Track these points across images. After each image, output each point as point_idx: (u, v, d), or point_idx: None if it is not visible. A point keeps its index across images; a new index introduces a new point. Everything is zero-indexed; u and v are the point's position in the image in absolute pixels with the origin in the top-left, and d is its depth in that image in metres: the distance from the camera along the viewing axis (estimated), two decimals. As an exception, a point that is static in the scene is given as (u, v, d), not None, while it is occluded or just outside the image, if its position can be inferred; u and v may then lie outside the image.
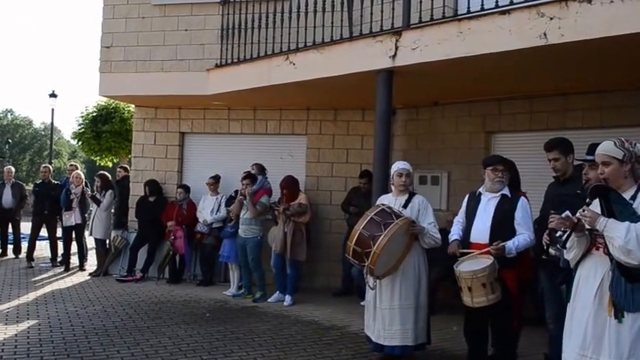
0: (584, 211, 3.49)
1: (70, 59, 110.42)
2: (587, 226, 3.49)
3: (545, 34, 5.42)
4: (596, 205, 3.56)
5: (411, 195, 5.50)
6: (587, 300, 3.51)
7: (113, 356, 5.81)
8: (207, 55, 9.26)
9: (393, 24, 6.86)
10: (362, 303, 7.55)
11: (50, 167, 12.56)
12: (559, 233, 3.65)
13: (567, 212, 3.61)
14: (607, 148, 3.56)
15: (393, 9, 6.92)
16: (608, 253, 3.42)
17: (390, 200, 5.56)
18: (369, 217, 5.12)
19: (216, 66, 9.09)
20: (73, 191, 10.84)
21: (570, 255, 3.66)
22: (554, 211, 3.76)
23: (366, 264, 5.06)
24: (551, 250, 4.31)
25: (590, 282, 3.53)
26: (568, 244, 3.60)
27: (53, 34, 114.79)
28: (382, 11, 6.95)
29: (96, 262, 10.94)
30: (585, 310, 3.51)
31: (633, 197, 3.46)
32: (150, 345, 6.20)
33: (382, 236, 4.92)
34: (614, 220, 3.37)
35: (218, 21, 9.16)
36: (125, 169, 11.48)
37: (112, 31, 9.95)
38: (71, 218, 10.80)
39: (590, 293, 3.50)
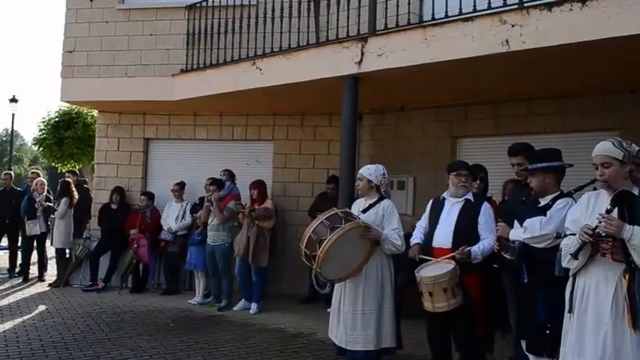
0: (604, 218, 3.26)
1: (32, 63, 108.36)
2: (604, 234, 3.27)
3: (507, 41, 5.54)
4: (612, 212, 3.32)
5: (380, 199, 5.47)
6: (602, 312, 3.30)
7: (72, 370, 5.66)
8: (173, 61, 9.17)
9: (359, 30, 6.91)
10: (328, 310, 7.54)
11: (12, 174, 12.24)
12: (577, 243, 3.40)
13: (582, 220, 3.44)
14: (606, 148, 3.41)
15: (359, 15, 6.95)
16: (618, 260, 3.27)
17: (360, 204, 5.57)
18: (319, 221, 5.14)
19: (182, 71, 9.02)
20: (37, 199, 10.58)
21: (574, 264, 3.45)
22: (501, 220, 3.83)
23: (313, 267, 5.07)
24: (507, 256, 4.37)
25: (601, 291, 3.33)
26: (580, 255, 3.37)
27: (13, 38, 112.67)
28: (348, 17, 6.99)
29: (56, 273, 10.63)
30: (601, 322, 3.30)
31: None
32: (111, 358, 6.05)
33: (326, 240, 4.91)
34: None
35: (184, 26, 9.10)
36: (74, 173, 11.26)
37: (75, 35, 9.79)
38: (36, 227, 10.50)
39: (605, 304, 3.29)
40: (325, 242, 4.90)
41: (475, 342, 5.19)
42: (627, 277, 3.23)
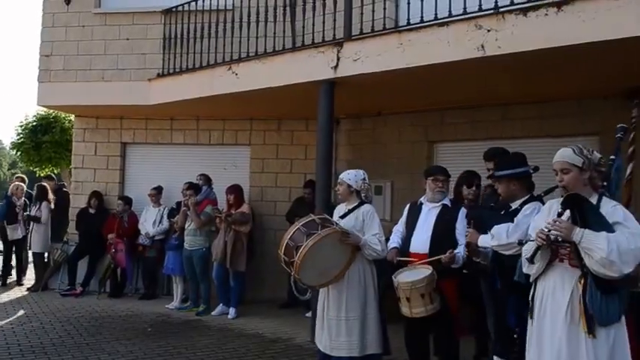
0: (555, 222, 3.34)
1: (9, 66, 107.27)
2: (558, 238, 3.36)
3: (482, 46, 5.55)
4: (562, 215, 3.42)
5: (360, 204, 5.42)
6: (558, 316, 3.36)
7: (49, 375, 5.64)
8: (149, 65, 9.15)
9: (334, 35, 6.93)
10: (307, 315, 7.56)
11: None
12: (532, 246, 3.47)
13: (542, 226, 3.48)
14: (566, 154, 3.47)
15: (335, 20, 6.95)
16: (575, 265, 3.33)
17: (341, 209, 5.55)
18: (296, 227, 5.13)
19: (158, 76, 9.02)
20: (17, 204, 10.52)
21: (533, 269, 3.51)
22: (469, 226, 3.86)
23: (292, 274, 5.08)
24: (479, 261, 4.42)
25: (557, 296, 3.39)
26: (535, 259, 3.45)
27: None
28: (324, 22, 7.00)
29: (34, 277, 10.58)
30: (556, 326, 3.36)
31: (596, 207, 3.38)
32: (88, 362, 6.05)
33: (303, 247, 4.92)
34: (591, 232, 3.23)
35: (160, 30, 9.10)
36: (50, 178, 11.17)
37: (52, 39, 9.75)
38: (17, 231, 10.48)
39: (561, 308, 3.35)
40: (302, 248, 4.89)
41: (453, 347, 5.23)
42: (582, 281, 3.29)
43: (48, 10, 9.84)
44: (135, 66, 9.25)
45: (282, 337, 7.25)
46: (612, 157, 4.21)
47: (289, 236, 5.08)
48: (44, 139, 15.41)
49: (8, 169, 62.89)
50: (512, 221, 4.13)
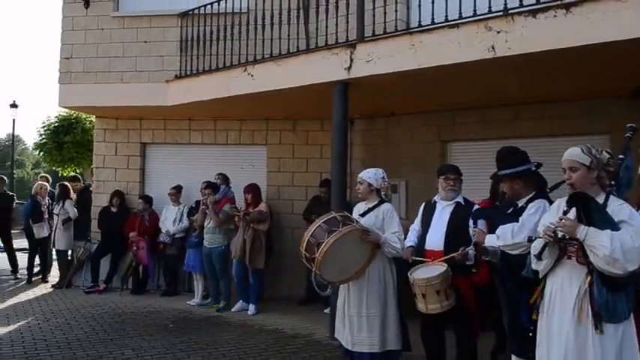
0: (560, 219, 3.39)
1: (32, 69, 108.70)
2: (565, 235, 3.41)
3: (493, 47, 5.62)
4: (568, 213, 3.47)
5: (380, 203, 5.47)
6: (566, 312, 3.39)
7: (75, 371, 5.81)
8: (167, 67, 9.31)
9: (347, 37, 7.03)
10: (326, 311, 7.68)
11: (4, 178, 12.41)
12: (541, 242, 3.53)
13: (548, 223, 3.54)
14: (574, 153, 3.51)
15: (348, 22, 7.05)
16: (583, 263, 3.37)
17: (360, 208, 5.60)
18: (317, 224, 5.16)
19: (176, 77, 9.17)
20: (42, 203, 10.81)
21: (541, 266, 3.56)
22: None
23: (313, 270, 5.17)
24: (489, 259, 4.50)
25: (566, 293, 3.42)
26: (543, 256, 3.50)
27: (12, 43, 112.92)
28: (337, 24, 7.13)
29: (58, 274, 10.83)
30: (564, 322, 3.39)
31: (603, 205, 3.41)
32: (113, 357, 6.23)
33: (324, 243, 4.99)
34: (596, 229, 3.28)
35: (177, 33, 9.25)
36: (77, 179, 11.43)
37: (72, 42, 9.93)
38: (43, 230, 10.74)
39: (568, 305, 3.39)
40: (323, 245, 4.93)
41: (470, 343, 5.29)
42: (589, 278, 3.34)
43: (67, 13, 10.03)
44: (153, 68, 9.41)
45: (301, 333, 7.34)
46: (621, 156, 4.26)
47: (310, 233, 5.12)
48: (66, 140, 15.69)
49: (32, 169, 63.87)
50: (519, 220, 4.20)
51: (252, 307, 8.41)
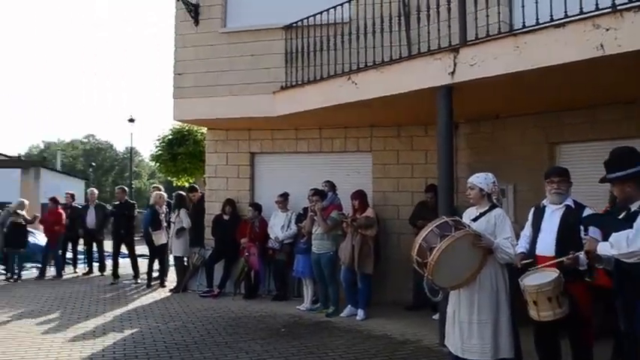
0: None
1: (146, 86, 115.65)
2: None
3: (602, 45, 5.42)
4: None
5: (491, 208, 5.37)
6: None
7: (194, 372, 6.09)
8: (273, 79, 9.58)
9: (450, 41, 6.98)
10: (434, 317, 7.64)
11: (125, 188, 13.28)
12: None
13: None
14: None
15: (450, 26, 7.01)
16: None
17: (471, 213, 5.52)
18: (429, 229, 5.13)
19: (282, 88, 9.42)
20: (160, 212, 11.48)
21: None
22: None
23: (425, 275, 5.14)
24: (603, 266, 4.31)
25: None
26: None
27: (129, 64, 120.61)
28: (439, 29, 7.08)
29: (175, 279, 11.41)
30: None
31: None
32: (228, 360, 6.47)
33: (437, 248, 4.95)
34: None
35: (282, 45, 9.50)
36: (195, 189, 11.92)
37: (183, 59, 10.46)
38: (162, 237, 11.39)
39: None
40: (436, 250, 4.91)
41: (585, 352, 5.09)
42: None
43: (179, 32, 10.58)
44: (260, 80, 9.71)
45: (410, 339, 7.33)
46: None
47: (422, 237, 5.09)
48: (179, 151, 16.49)
49: (147, 180, 67.86)
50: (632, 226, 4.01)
51: (360, 313, 8.47)
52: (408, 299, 9.04)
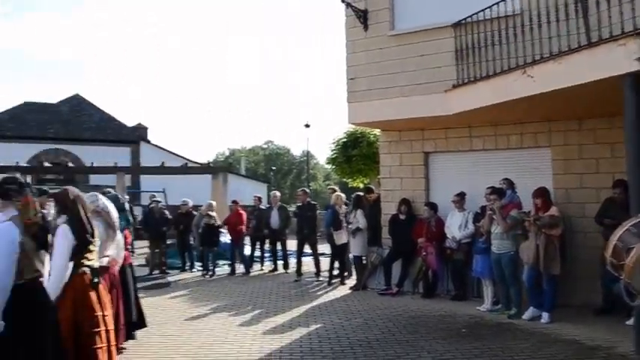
0: None
1: (321, 93, 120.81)
2: None
3: None
4: None
5: None
6: None
7: (378, 369, 6.25)
8: (444, 77, 9.57)
9: (634, 25, 6.49)
10: (628, 322, 7.16)
11: (307, 190, 13.92)
12: None
13: None
14: None
15: (633, 9, 6.52)
16: None
17: None
18: (625, 228, 4.86)
19: (454, 86, 9.36)
20: (340, 212, 11.89)
21: None
22: None
23: (622, 277, 4.87)
24: None
25: None
26: None
27: (303, 72, 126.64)
28: (622, 12, 6.60)
29: (355, 277, 11.75)
30: None
31: None
32: (410, 359, 6.55)
33: (635, 249, 4.71)
34: None
35: (452, 43, 9.44)
36: (371, 190, 12.10)
37: (355, 64, 10.79)
38: (342, 237, 11.80)
39: None
40: (634, 250, 4.66)
41: None
42: None
43: (349, 38, 10.93)
44: (430, 80, 9.75)
45: (601, 345, 6.90)
46: None
47: (617, 237, 4.83)
48: (354, 153, 16.89)
49: (323, 181, 70.67)
50: None
51: (545, 315, 8.15)
52: (596, 302, 8.50)
